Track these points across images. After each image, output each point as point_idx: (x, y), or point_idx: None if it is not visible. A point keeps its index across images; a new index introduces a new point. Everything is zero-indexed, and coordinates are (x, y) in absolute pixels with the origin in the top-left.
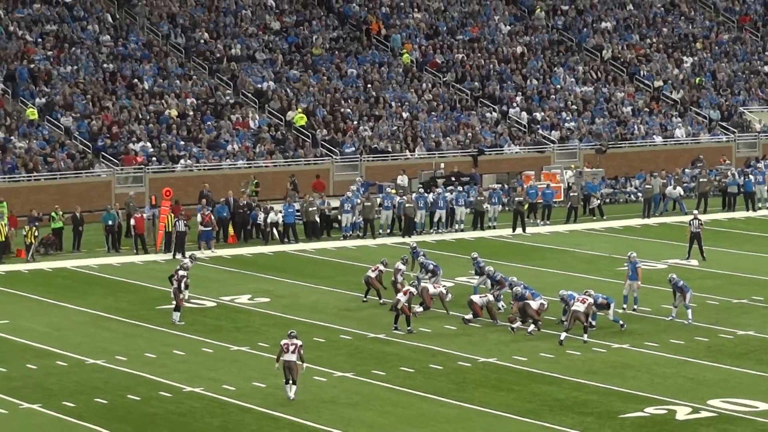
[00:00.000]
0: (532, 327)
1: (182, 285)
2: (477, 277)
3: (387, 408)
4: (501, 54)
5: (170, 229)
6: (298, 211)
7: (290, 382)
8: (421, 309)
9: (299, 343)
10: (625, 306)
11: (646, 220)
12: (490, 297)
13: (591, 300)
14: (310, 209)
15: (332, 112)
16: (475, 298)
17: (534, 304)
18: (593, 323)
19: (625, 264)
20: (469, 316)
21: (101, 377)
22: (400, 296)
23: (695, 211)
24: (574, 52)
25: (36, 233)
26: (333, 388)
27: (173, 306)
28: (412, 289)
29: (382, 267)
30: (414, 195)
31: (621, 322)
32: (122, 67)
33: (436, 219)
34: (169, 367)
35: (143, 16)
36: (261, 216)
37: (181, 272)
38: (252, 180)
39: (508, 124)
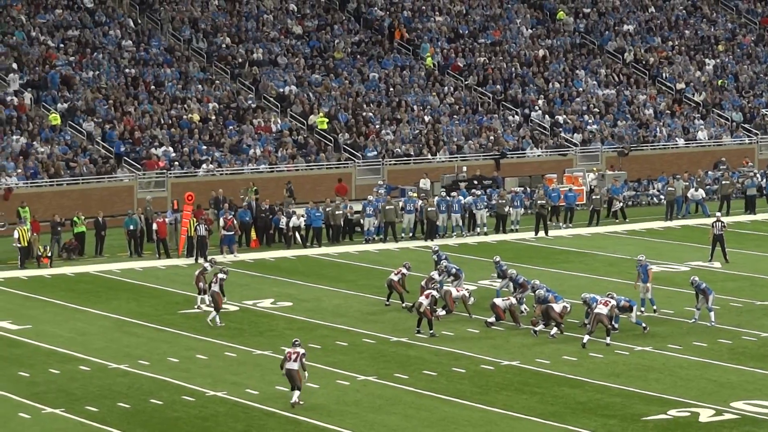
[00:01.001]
0: (554, 330)
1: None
2: (500, 280)
3: (410, 411)
4: (523, 57)
5: (192, 234)
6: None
7: (294, 389)
8: (443, 312)
9: (301, 351)
10: (643, 309)
11: (668, 223)
12: (513, 300)
13: (613, 302)
14: (336, 213)
15: (354, 115)
16: (498, 301)
17: (557, 307)
18: (616, 326)
19: (637, 268)
20: (492, 320)
21: (124, 382)
22: (422, 299)
23: (718, 214)
24: (596, 54)
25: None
26: (356, 392)
27: (213, 308)
28: (434, 293)
29: (405, 270)
30: (436, 198)
31: (644, 325)
32: (144, 72)
33: (453, 223)
34: (192, 371)
35: (166, 21)
36: (283, 220)
37: (221, 275)
38: (251, 187)
39: (530, 127)
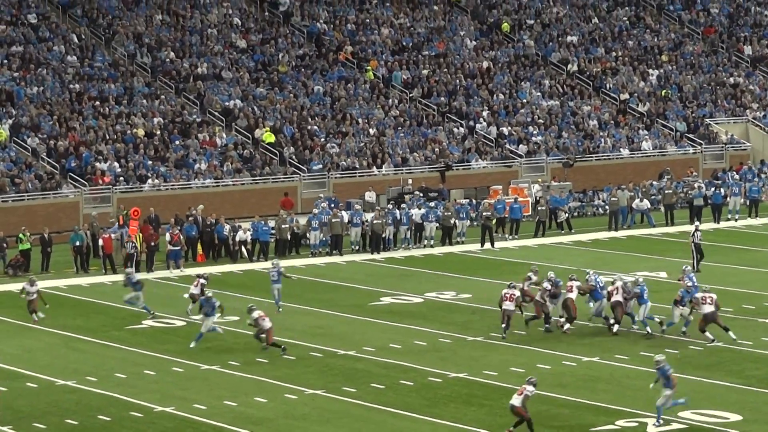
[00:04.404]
0: (567, 326)
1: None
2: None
3: (358, 425)
4: (467, 69)
5: (139, 249)
6: (272, 228)
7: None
8: (568, 325)
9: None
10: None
11: (613, 233)
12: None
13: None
14: (283, 227)
15: (299, 129)
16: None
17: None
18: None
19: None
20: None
21: (72, 398)
22: (508, 304)
23: (697, 223)
24: (540, 66)
25: None
26: (304, 406)
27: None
28: (516, 292)
29: (532, 275)
30: (384, 210)
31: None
32: (89, 87)
33: (402, 236)
34: (140, 387)
35: (109, 36)
36: (227, 228)
37: (202, 280)
38: (122, 210)
39: (475, 139)
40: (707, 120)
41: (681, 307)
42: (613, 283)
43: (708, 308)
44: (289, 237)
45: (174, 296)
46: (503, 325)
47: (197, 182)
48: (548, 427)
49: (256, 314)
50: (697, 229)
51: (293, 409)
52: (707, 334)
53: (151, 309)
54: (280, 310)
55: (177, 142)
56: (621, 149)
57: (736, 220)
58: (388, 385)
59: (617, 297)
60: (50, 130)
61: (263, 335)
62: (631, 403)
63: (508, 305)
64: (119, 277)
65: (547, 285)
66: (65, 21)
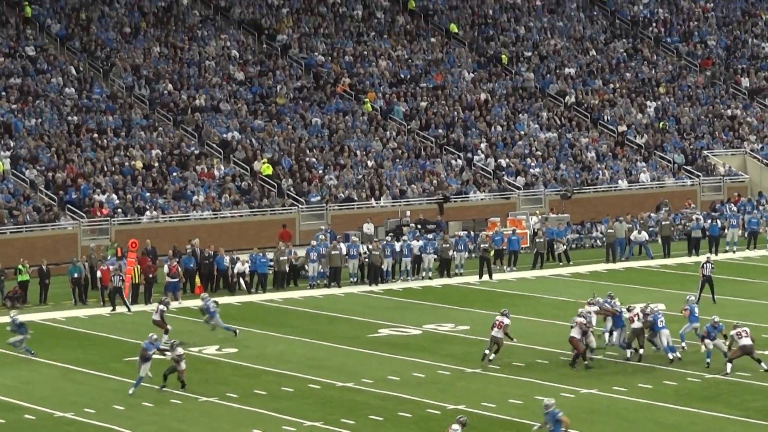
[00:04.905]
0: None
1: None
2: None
3: None
4: (465, 101)
5: (137, 281)
6: (271, 260)
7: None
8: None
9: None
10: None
11: (611, 265)
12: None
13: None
14: (281, 259)
15: (297, 161)
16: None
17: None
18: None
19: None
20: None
21: (70, 430)
22: (497, 331)
23: (708, 255)
24: (538, 98)
25: None
26: None
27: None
28: (506, 320)
29: (599, 298)
30: (382, 243)
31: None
32: (87, 119)
33: (403, 267)
34: (138, 419)
35: (107, 68)
36: (227, 259)
37: (161, 306)
38: (112, 244)
39: (473, 171)
40: (705, 152)
41: (710, 341)
42: (629, 310)
43: (745, 341)
44: (287, 269)
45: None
46: (487, 351)
47: (195, 214)
48: None
49: (180, 351)
50: (708, 261)
51: None
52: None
53: (33, 351)
54: (237, 333)
55: (175, 174)
56: (619, 181)
57: (734, 252)
58: (387, 417)
59: (637, 323)
60: (48, 162)
61: (178, 372)
62: None
63: (497, 332)
64: (118, 309)
65: (581, 320)
66: (63, 53)
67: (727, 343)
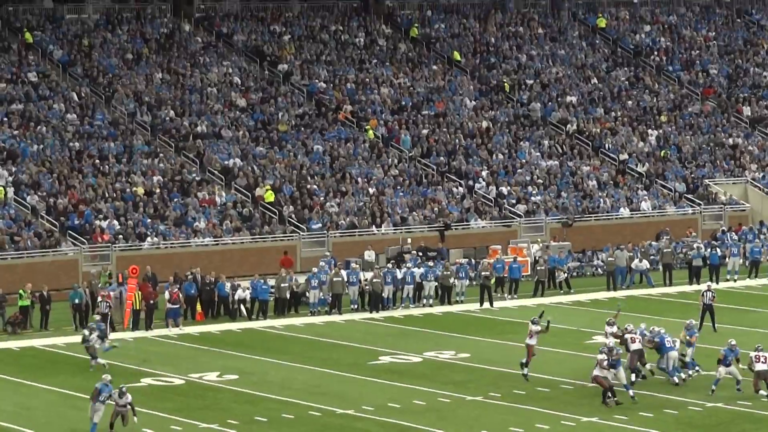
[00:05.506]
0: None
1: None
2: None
3: None
4: (466, 129)
5: (138, 307)
6: (272, 287)
7: None
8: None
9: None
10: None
11: (612, 293)
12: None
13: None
14: (282, 285)
15: (299, 188)
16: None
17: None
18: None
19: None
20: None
21: None
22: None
23: (709, 283)
24: (539, 126)
25: None
26: None
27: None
28: (603, 357)
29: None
30: (383, 270)
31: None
32: (88, 145)
33: (404, 294)
34: None
35: (109, 94)
36: (227, 286)
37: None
38: (104, 272)
39: (474, 198)
40: (706, 180)
41: (724, 368)
42: (628, 330)
43: (761, 366)
44: (288, 296)
45: (173, 354)
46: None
47: (196, 241)
48: None
49: (130, 398)
50: (709, 289)
51: None
52: (762, 392)
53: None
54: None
55: (176, 201)
56: (620, 209)
57: (735, 280)
58: None
59: (637, 345)
60: (50, 187)
61: (122, 416)
62: None
63: (528, 340)
64: (119, 335)
65: (601, 357)
66: (65, 79)
67: (746, 365)
